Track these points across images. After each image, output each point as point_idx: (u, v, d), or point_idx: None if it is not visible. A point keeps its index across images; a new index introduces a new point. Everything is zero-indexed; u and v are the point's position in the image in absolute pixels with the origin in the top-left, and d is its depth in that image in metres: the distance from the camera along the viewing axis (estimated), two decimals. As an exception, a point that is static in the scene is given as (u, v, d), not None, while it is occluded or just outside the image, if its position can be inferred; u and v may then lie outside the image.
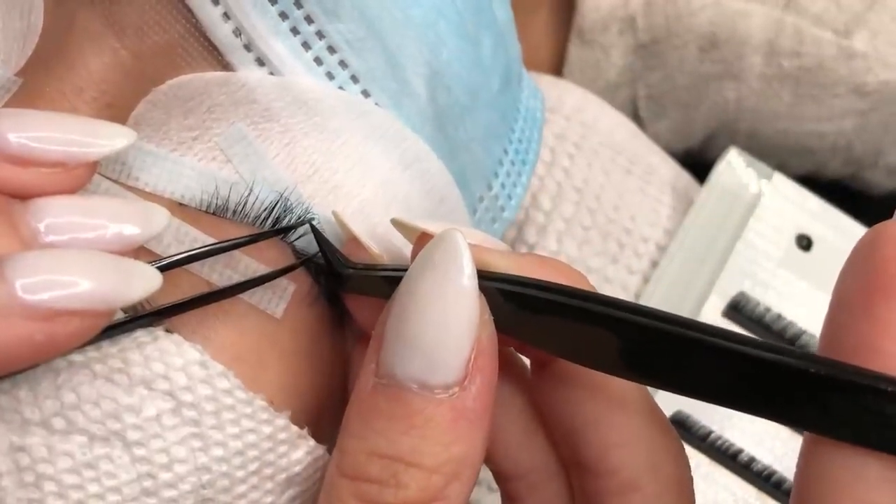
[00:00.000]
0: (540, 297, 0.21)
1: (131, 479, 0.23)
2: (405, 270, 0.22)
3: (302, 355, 0.27)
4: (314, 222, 0.26)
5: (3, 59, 0.25)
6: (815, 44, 0.47)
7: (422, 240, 0.24)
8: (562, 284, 0.22)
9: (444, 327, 0.21)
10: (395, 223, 0.26)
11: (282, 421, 0.25)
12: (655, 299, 0.40)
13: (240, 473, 0.25)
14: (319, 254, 0.26)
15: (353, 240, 0.26)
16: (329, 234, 0.27)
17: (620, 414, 0.23)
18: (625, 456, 0.23)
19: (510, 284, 0.22)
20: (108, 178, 0.25)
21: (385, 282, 0.24)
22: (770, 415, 0.19)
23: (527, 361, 0.26)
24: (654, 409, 0.24)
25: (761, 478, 0.39)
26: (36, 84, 0.25)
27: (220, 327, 0.25)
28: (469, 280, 0.22)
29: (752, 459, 0.39)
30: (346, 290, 0.27)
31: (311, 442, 0.26)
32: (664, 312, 0.20)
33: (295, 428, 0.26)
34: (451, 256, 0.22)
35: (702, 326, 0.19)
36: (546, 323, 0.22)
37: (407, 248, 0.26)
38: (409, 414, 0.22)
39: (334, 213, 0.27)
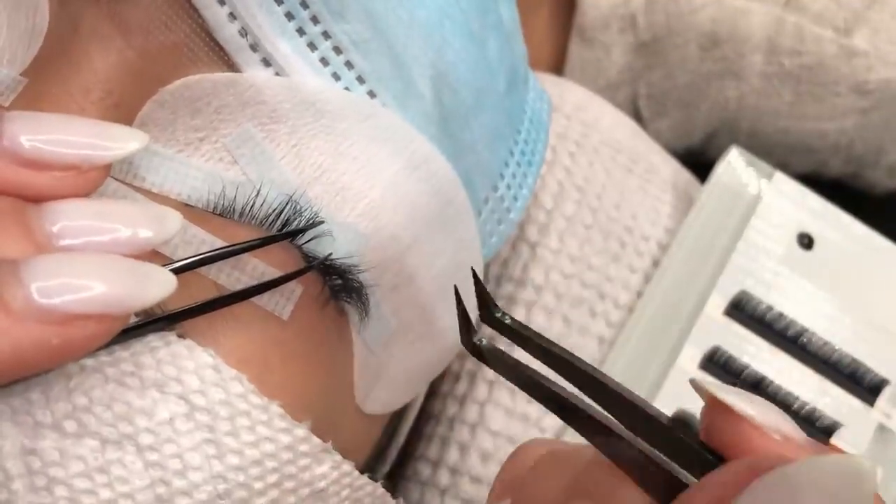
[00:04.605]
0: None
1: (144, 486, 0.23)
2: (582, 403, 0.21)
3: (309, 359, 0.27)
4: (323, 225, 0.26)
5: (9, 59, 0.25)
6: (816, 42, 0.47)
7: (714, 406, 0.20)
8: None
9: None
10: (694, 385, 0.21)
11: (301, 431, 0.25)
12: (657, 298, 0.40)
13: (258, 485, 0.24)
14: (329, 258, 0.26)
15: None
16: (335, 236, 0.27)
17: None
18: None
19: None
20: (115, 178, 0.25)
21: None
22: None
23: None
24: None
25: None
26: (42, 85, 0.25)
27: (229, 331, 0.25)
28: None
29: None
30: (483, 359, 0.23)
31: (337, 456, 0.26)
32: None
33: (317, 440, 0.25)
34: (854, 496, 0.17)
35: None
36: None
37: None
38: None
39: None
